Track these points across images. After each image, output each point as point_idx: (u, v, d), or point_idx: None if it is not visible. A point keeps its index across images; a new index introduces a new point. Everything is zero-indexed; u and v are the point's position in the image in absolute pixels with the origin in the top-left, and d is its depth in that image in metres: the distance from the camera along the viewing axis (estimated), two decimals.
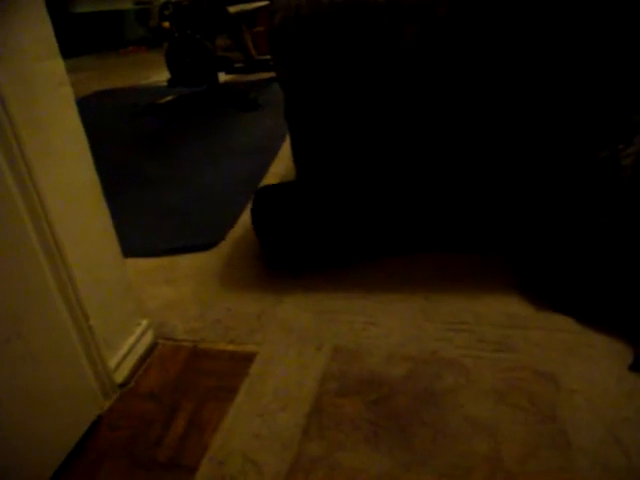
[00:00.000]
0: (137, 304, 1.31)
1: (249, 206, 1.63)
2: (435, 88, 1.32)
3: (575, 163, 1.31)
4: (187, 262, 1.68)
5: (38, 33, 0.96)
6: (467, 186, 1.44)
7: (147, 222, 1.97)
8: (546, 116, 1.31)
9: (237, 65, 4.11)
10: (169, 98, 3.55)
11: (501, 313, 1.30)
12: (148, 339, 1.32)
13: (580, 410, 1.02)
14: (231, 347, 1.30)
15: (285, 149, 2.45)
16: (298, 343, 1.28)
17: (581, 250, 1.28)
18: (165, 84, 3.66)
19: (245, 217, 1.86)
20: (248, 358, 1.25)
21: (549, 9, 1.20)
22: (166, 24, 3.18)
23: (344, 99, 1.37)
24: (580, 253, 1.28)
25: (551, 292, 1.31)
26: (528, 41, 1.23)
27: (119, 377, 1.21)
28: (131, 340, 1.27)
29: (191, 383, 1.21)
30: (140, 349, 1.29)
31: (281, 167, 2.24)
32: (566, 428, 0.99)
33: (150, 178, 2.41)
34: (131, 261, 1.27)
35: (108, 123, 3.34)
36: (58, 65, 1.00)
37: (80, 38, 5.70)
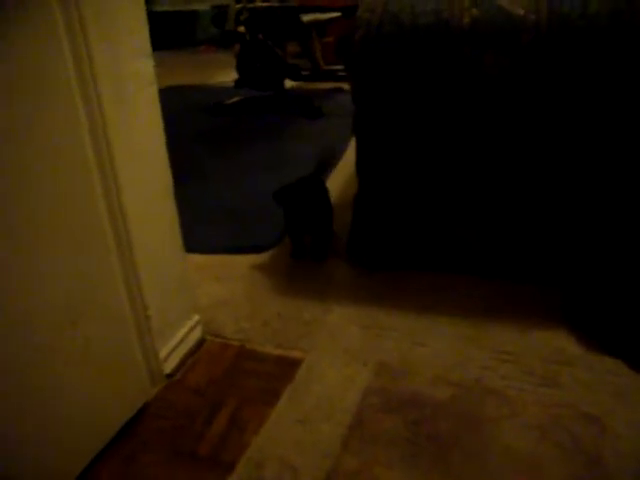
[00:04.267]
0: (192, 299, 1.35)
1: None
2: (513, 117, 1.32)
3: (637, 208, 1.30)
4: (241, 262, 1.72)
5: (137, 34, 1.01)
6: (532, 217, 1.43)
7: (204, 219, 2.02)
8: (624, 157, 1.29)
9: (303, 73, 4.16)
10: (236, 99, 3.62)
11: (550, 348, 1.28)
12: (197, 334, 1.35)
13: (625, 456, 1.00)
14: (278, 351, 1.32)
15: (346, 161, 2.47)
16: (344, 355, 1.29)
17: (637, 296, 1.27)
18: (231, 85, 3.73)
19: None
20: (294, 364, 1.27)
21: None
22: (241, 29, 3.25)
23: (416, 120, 1.38)
24: (636, 299, 1.26)
25: (604, 333, 1.29)
26: (617, 76, 1.22)
27: (167, 367, 1.25)
28: (182, 333, 1.30)
29: (236, 382, 1.24)
30: (189, 343, 1.32)
31: (340, 179, 2.26)
32: (610, 473, 0.97)
33: (210, 176, 2.47)
34: (186, 256, 1.31)
35: (176, 118, 3.41)
36: (149, 65, 1.05)
37: (156, 35, 5.86)
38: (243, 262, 1.72)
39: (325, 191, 1.76)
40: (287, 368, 1.26)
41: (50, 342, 0.91)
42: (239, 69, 3.46)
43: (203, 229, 1.93)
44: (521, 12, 1.21)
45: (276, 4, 3.84)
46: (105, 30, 0.93)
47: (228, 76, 4.24)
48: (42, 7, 0.81)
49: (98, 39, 0.91)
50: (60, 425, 0.95)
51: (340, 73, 4.15)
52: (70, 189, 0.90)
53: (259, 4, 3.60)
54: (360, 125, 1.47)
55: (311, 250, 1.72)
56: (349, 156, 2.40)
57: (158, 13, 6.08)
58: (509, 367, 1.23)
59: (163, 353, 1.23)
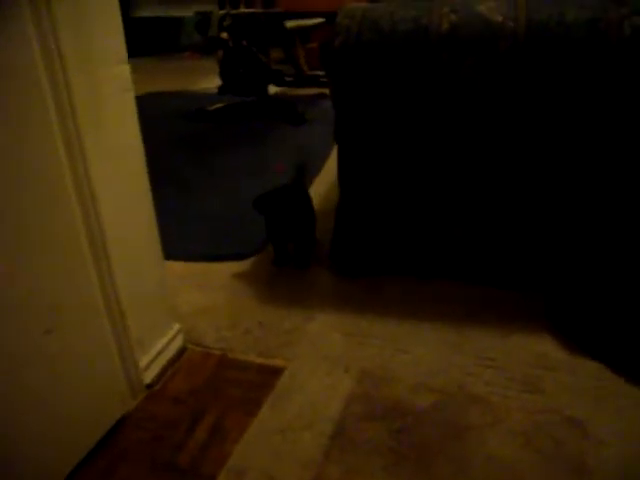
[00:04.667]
0: (171, 307, 1.33)
1: None
2: (492, 123, 1.32)
3: (620, 214, 1.30)
4: (222, 270, 1.70)
5: (111, 40, 0.99)
6: (512, 222, 1.43)
7: (184, 226, 2.00)
8: (604, 164, 1.30)
9: (287, 78, 4.16)
10: (219, 105, 3.61)
11: (533, 353, 1.28)
12: (178, 343, 1.34)
13: (608, 461, 1.00)
14: (260, 359, 1.31)
15: (328, 168, 2.47)
16: (326, 362, 1.28)
17: (621, 301, 1.27)
18: (214, 91, 3.72)
19: None
20: (275, 372, 1.26)
21: (619, 57, 1.19)
22: (224, 35, 3.24)
23: (396, 126, 1.38)
24: (620, 303, 1.27)
25: (587, 338, 1.29)
26: (593, 84, 1.22)
27: (147, 378, 1.22)
28: (162, 342, 1.28)
29: (217, 391, 1.22)
30: (170, 352, 1.30)
31: (323, 186, 2.25)
32: (593, 479, 0.97)
33: (191, 182, 2.45)
34: (166, 264, 1.30)
35: (157, 124, 3.41)
36: (125, 71, 1.03)
37: (138, 40, 5.85)
38: (224, 270, 1.70)
39: (307, 198, 1.75)
40: (269, 377, 1.25)
41: (23, 350, 0.88)
42: (222, 75, 3.46)
43: (184, 236, 1.91)
44: (499, 19, 1.21)
45: (260, 10, 3.83)
46: (78, 34, 0.91)
47: (211, 82, 4.24)
48: (11, 9, 0.79)
49: (71, 43, 0.89)
50: (33, 439, 0.93)
51: (323, 79, 4.16)
52: (42, 197, 0.88)
53: (243, 10, 3.59)
54: (341, 132, 1.46)
55: (294, 258, 1.71)
56: (332, 162, 2.40)
57: (142, 19, 6.07)
58: (492, 373, 1.23)
59: (143, 363, 1.21)
